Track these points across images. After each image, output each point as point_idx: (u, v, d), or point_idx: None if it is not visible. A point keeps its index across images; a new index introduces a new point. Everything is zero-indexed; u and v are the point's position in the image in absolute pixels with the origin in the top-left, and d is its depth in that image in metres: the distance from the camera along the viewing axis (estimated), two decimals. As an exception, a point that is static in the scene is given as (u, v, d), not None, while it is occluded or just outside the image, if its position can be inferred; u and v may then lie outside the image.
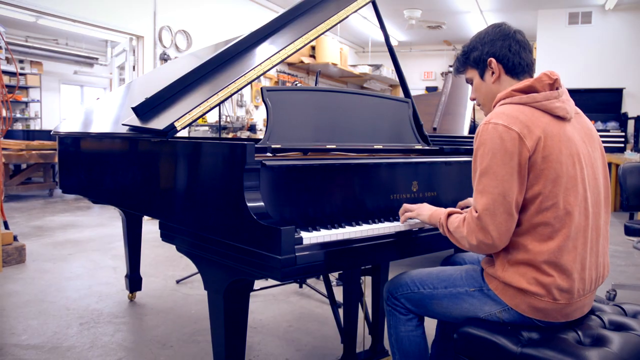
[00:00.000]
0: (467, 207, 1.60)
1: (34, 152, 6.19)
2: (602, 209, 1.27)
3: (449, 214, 1.28)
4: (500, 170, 1.13)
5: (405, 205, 1.43)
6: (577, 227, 1.17)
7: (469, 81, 1.39)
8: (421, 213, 1.37)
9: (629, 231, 2.80)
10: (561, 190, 1.15)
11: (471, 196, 1.29)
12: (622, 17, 7.31)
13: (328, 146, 1.61)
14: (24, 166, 6.71)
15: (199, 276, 3.05)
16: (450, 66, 10.49)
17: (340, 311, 2.04)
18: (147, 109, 1.61)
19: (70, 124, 2.49)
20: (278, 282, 2.75)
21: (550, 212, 1.15)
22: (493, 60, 1.30)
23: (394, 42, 9.00)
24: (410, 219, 1.42)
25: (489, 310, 1.25)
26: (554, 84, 1.23)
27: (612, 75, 7.29)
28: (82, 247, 3.97)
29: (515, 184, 1.14)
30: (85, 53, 9.15)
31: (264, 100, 1.51)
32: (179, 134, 1.49)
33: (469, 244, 1.19)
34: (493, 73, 1.31)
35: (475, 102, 1.42)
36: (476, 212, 1.16)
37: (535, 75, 1.28)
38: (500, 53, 1.29)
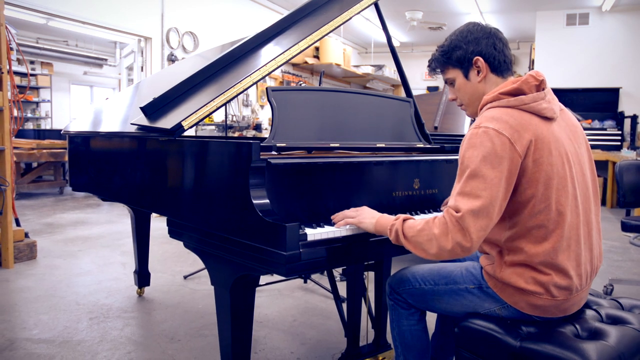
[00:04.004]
0: None
1: (44, 151, 6.27)
2: (592, 203, 1.27)
3: (405, 219, 1.19)
4: (489, 174, 1.10)
5: (346, 212, 1.32)
6: (570, 226, 1.18)
7: (449, 82, 1.34)
8: (363, 221, 1.26)
9: (626, 227, 2.82)
10: (553, 191, 1.15)
11: None
12: (618, 18, 7.36)
13: (332, 145, 1.62)
14: (35, 165, 6.80)
15: (205, 272, 3.08)
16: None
17: (344, 306, 2.05)
18: (155, 108, 1.62)
19: (80, 124, 2.51)
20: (283, 278, 2.79)
21: (544, 215, 1.15)
22: (480, 59, 1.26)
23: (395, 43, 8.98)
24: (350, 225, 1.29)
25: (488, 307, 1.26)
26: (540, 85, 1.22)
27: (608, 75, 7.35)
28: (91, 243, 4.02)
29: (502, 190, 1.11)
30: (94, 54, 9.25)
31: (269, 100, 1.53)
32: (186, 133, 1.50)
33: (439, 246, 1.10)
34: (479, 72, 1.27)
35: (456, 102, 1.37)
36: (457, 212, 1.10)
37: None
38: (486, 51, 1.25)
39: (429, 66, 1.39)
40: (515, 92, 1.21)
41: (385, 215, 1.26)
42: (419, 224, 1.16)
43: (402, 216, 1.22)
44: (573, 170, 1.21)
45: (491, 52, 1.26)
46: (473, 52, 1.26)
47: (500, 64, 1.27)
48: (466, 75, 1.30)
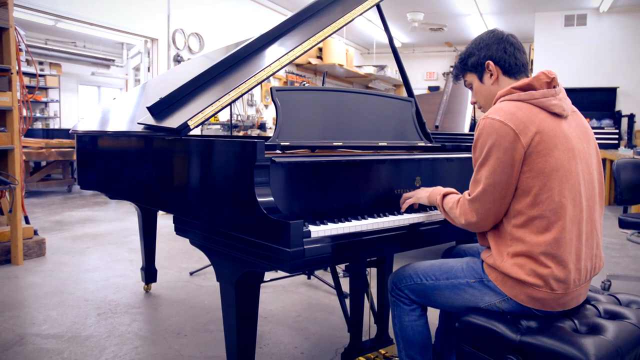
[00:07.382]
0: None
1: (53, 150, 6.34)
2: (597, 203, 1.30)
3: (445, 195, 1.40)
4: (494, 162, 1.20)
5: (404, 195, 1.54)
6: (572, 220, 1.20)
7: (469, 86, 1.44)
8: (420, 196, 1.50)
9: (623, 224, 2.85)
10: (556, 183, 1.19)
11: None
12: (615, 19, 7.40)
13: (335, 143, 1.65)
14: (43, 163, 6.89)
15: (211, 268, 3.13)
16: (452, 66, 10.52)
17: (347, 301, 2.08)
18: (162, 108, 1.64)
19: (87, 123, 2.54)
20: (287, 274, 2.82)
21: (546, 205, 1.19)
22: (490, 62, 1.35)
23: (397, 44, 9.01)
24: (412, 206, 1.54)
25: (489, 301, 1.28)
26: (551, 83, 1.27)
27: (606, 75, 7.39)
28: (99, 240, 4.07)
29: (506, 176, 1.20)
30: (102, 55, 9.32)
31: (273, 100, 1.56)
32: (192, 132, 1.52)
33: (460, 223, 1.32)
34: (491, 75, 1.36)
35: (476, 105, 1.47)
36: (469, 196, 1.28)
37: (533, 74, 1.33)
38: (497, 55, 1.35)
39: (452, 73, 1.53)
40: (526, 87, 1.27)
41: (438, 188, 1.46)
42: (451, 202, 1.36)
43: (443, 191, 1.41)
44: (579, 167, 1.24)
45: (501, 56, 1.35)
46: (485, 56, 1.37)
47: (512, 67, 1.35)
48: (481, 79, 1.40)
